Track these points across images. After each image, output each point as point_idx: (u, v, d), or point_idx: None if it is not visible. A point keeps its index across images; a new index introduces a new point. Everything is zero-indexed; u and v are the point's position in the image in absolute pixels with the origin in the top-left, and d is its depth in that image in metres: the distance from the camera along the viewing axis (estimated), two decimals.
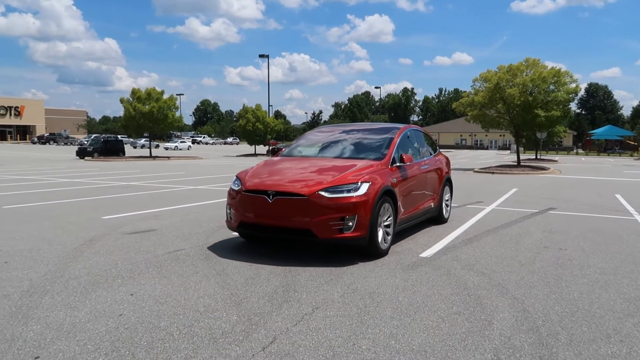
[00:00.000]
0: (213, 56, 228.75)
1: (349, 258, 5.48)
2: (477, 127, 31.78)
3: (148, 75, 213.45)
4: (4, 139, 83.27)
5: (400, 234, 6.67)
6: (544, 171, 23.28)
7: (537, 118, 23.52)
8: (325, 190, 5.28)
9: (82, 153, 33.48)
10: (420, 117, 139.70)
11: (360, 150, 6.70)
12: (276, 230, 5.46)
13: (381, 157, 6.25)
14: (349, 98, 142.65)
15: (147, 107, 33.33)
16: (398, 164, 6.32)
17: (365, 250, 5.54)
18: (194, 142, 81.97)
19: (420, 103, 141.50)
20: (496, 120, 25.43)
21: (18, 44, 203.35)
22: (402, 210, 6.21)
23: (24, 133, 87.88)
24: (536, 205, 10.54)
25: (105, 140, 36.13)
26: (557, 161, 38.16)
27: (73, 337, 3.30)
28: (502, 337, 3.42)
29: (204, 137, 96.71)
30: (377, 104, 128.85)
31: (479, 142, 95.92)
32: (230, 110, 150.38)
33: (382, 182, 5.63)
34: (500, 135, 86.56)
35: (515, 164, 26.77)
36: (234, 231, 5.99)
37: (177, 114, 35.88)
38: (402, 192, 6.19)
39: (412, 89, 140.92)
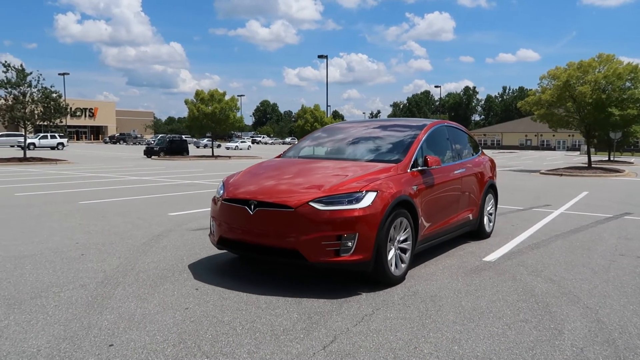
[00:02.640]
0: (272, 57, 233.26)
1: (415, 257, 5.38)
2: (543, 127, 30.39)
3: (210, 77, 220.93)
4: (79, 138, 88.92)
5: (456, 239, 6.48)
6: (617, 174, 21.88)
7: (611, 117, 22.12)
8: (318, 200, 4.19)
9: (149, 152, 35.09)
10: (482, 116, 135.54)
11: (374, 150, 5.58)
12: (258, 249, 4.42)
13: (398, 160, 5.07)
14: (407, 97, 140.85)
15: (209, 108, 34.42)
16: (421, 168, 5.13)
17: (370, 277, 4.50)
18: (253, 142, 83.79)
19: (483, 102, 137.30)
20: (565, 119, 24.18)
21: (92, 49, 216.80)
22: (426, 225, 5.08)
23: (97, 133, 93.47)
24: (609, 210, 9.92)
25: (170, 140, 37.67)
26: (632, 163, 35.75)
27: (143, 327, 3.47)
28: (574, 349, 3.24)
29: (264, 137, 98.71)
30: (437, 103, 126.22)
31: (545, 143, 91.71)
32: (289, 111, 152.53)
33: (396, 191, 4.51)
34: (569, 136, 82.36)
35: (586, 165, 25.36)
36: (217, 247, 4.90)
37: (238, 114, 36.78)
38: (425, 203, 5.03)
39: (474, 87, 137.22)
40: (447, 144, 6.15)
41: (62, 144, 47.35)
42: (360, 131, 6.17)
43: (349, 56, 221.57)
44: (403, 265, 4.66)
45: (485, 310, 3.92)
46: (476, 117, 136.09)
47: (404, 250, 4.69)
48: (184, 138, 41.91)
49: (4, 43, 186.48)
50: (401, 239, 4.64)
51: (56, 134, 46.62)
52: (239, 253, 4.91)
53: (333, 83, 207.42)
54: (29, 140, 31.85)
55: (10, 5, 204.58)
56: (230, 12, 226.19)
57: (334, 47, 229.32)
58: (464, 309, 3.94)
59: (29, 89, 25.06)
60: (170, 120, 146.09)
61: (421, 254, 5.53)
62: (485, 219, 6.78)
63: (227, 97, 35.67)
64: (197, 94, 35.58)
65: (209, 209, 5.18)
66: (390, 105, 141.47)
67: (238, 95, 42.17)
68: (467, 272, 5.04)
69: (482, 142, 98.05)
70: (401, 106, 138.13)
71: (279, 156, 6.01)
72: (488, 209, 6.94)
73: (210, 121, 34.82)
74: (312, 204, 4.17)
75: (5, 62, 24.52)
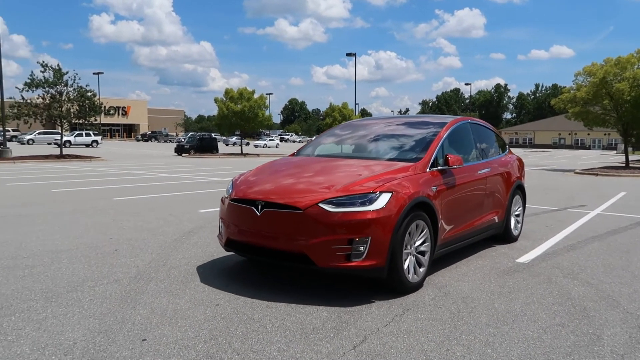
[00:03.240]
0: (300, 56, 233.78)
1: (442, 259, 5.30)
2: (577, 125, 29.50)
3: (239, 75, 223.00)
4: (112, 136, 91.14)
5: (483, 242, 6.34)
6: None
7: None
8: (328, 202, 3.97)
9: (179, 150, 35.67)
10: (514, 114, 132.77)
11: (392, 148, 5.31)
12: (265, 252, 4.23)
13: (417, 159, 4.78)
14: (437, 95, 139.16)
15: (239, 106, 34.75)
16: (441, 168, 4.83)
17: (384, 284, 4.25)
18: (281, 140, 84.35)
19: (514, 100, 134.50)
20: (601, 117, 23.42)
21: (125, 49, 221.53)
22: (447, 228, 4.81)
23: (129, 131, 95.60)
24: None
25: (200, 138, 38.19)
26: None
27: (175, 323, 3.51)
28: (614, 355, 3.12)
29: (292, 135, 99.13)
30: (467, 101, 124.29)
31: (579, 142, 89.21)
32: (317, 109, 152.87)
33: (413, 192, 4.25)
34: (605, 134, 79.84)
35: (623, 165, 24.53)
36: (224, 249, 4.73)
37: (267, 112, 37.04)
38: (446, 205, 4.74)
39: (505, 85, 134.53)
40: (471, 142, 5.83)
41: (96, 141, 48.61)
42: (379, 128, 5.91)
43: (377, 54, 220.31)
44: (421, 271, 4.39)
45: (519, 313, 3.82)
46: (507, 115, 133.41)
47: (422, 255, 4.42)
48: (214, 136, 42.42)
49: (41, 44, 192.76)
50: (419, 243, 4.37)
51: (91, 132, 47.85)
52: (246, 256, 4.67)
53: (361, 81, 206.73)
54: (65, 138, 32.84)
55: (48, 7, 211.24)
56: (259, 11, 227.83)
57: (362, 45, 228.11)
58: (497, 311, 3.85)
59: (65, 88, 25.79)
60: (200, 118, 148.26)
61: (451, 255, 5.45)
62: (512, 222, 6.42)
63: (255, 96, 35.94)
64: (227, 92, 35.97)
65: None
66: (419, 104, 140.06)
67: (267, 94, 42.55)
68: (499, 274, 4.93)
69: (514, 140, 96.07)
70: (430, 104, 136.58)
71: (293, 154, 5.85)
72: (515, 211, 6.56)
73: (239, 119, 35.15)
74: (321, 205, 3.95)
75: (43, 62, 25.30)
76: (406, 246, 4.19)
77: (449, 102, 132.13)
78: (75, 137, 47.42)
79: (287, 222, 4.05)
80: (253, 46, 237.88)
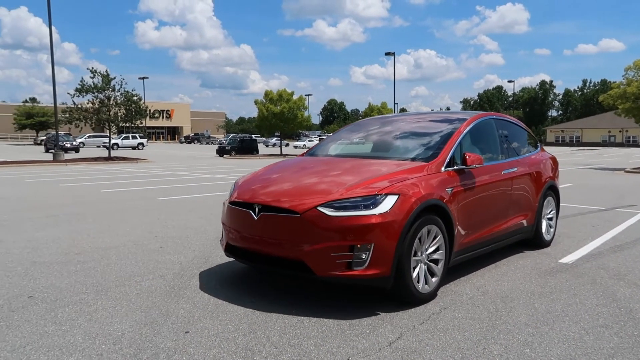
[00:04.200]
0: (339, 56, 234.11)
1: (482, 259, 5.24)
2: (629, 122, 28.24)
3: (279, 77, 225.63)
4: (157, 138, 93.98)
5: (515, 246, 6.20)
6: None
7: None
8: (328, 205, 3.67)
9: (221, 151, 36.43)
10: (560, 112, 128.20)
11: (404, 147, 5.01)
12: (262, 259, 3.99)
13: (431, 158, 4.42)
14: (478, 93, 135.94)
15: (278, 107, 35.17)
16: (458, 167, 4.45)
17: (391, 295, 3.92)
18: (320, 140, 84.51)
19: (560, 97, 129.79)
20: None
21: (168, 54, 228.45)
22: (464, 233, 4.43)
23: (173, 133, 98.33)
24: None
25: (241, 140, 38.87)
26: None
27: (216, 316, 3.64)
28: None
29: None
30: (510, 98, 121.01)
31: (631, 139, 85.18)
32: (356, 109, 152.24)
33: (424, 194, 3.91)
34: None
35: None
36: (225, 255, 4.50)
37: (306, 113, 37.31)
38: (463, 208, 4.37)
39: (551, 81, 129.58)
40: (495, 139, 5.38)
41: (142, 144, 50.34)
42: (394, 126, 5.58)
43: (416, 53, 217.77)
44: (434, 281, 4.04)
45: (560, 314, 3.74)
46: (553, 113, 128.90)
47: (434, 263, 4.08)
48: (254, 137, 43.09)
49: (90, 51, 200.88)
50: (431, 250, 4.03)
51: (137, 135, 49.60)
52: (245, 262, 4.36)
53: (400, 80, 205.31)
54: (113, 141, 34.17)
55: (96, 16, 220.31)
56: (298, 12, 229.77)
57: (401, 44, 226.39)
58: (537, 312, 3.79)
59: (113, 93, 26.86)
60: (241, 120, 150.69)
61: (490, 255, 5.37)
62: (544, 225, 5.93)
63: (295, 97, 36.26)
64: (266, 94, 36.47)
65: None
66: (460, 102, 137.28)
67: (305, 95, 42.79)
68: (541, 274, 4.83)
69: (560, 139, 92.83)
70: (472, 102, 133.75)
71: (303, 154, 5.62)
72: (547, 214, 6.07)
73: (279, 120, 35.56)
74: (320, 208, 3.66)
75: (92, 68, 26.46)
76: (415, 253, 3.86)
77: (491, 100, 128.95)
78: (122, 139, 49.25)
79: (284, 227, 3.77)
80: (292, 48, 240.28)
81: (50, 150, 34.60)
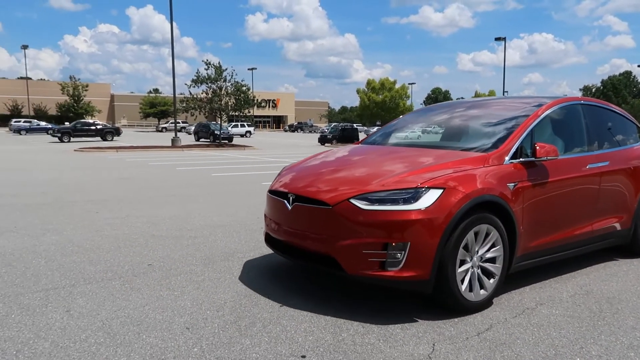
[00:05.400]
0: (445, 43, 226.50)
1: (586, 258, 4.90)
2: None
3: (382, 66, 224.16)
4: (263, 127, 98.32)
5: (605, 252, 5.63)
6: None
7: None
8: (362, 197, 3.37)
9: (323, 140, 37.16)
10: None
11: (464, 135, 4.59)
12: (295, 252, 3.79)
13: (492, 148, 3.90)
14: (602, 80, 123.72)
15: (380, 96, 35.12)
16: (526, 159, 3.89)
17: (433, 300, 3.56)
18: (424, 131, 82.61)
19: None
20: None
21: (275, 45, 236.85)
22: (530, 235, 3.85)
23: (278, 122, 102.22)
24: None
25: (342, 129, 39.29)
26: None
27: (310, 295, 3.85)
28: None
29: (434, 127, 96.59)
30: None
31: None
32: (462, 98, 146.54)
33: (477, 189, 3.45)
34: None
35: None
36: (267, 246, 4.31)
37: (408, 102, 36.84)
38: (531, 206, 3.81)
39: None
40: (581, 128, 4.63)
41: (249, 132, 52.99)
42: (460, 112, 5.08)
43: (530, 37, 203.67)
44: (488, 287, 3.58)
45: None
46: None
47: (489, 269, 3.61)
48: (355, 126, 43.35)
49: (206, 44, 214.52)
50: (484, 253, 3.56)
51: (245, 123, 52.31)
52: (280, 255, 4.04)
53: (511, 67, 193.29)
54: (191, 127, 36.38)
55: (212, 11, 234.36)
56: None
57: (513, 28, 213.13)
58: None
59: (224, 83, 28.64)
60: (343, 109, 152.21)
61: (598, 254, 5.01)
62: None
63: (397, 86, 35.95)
64: (369, 83, 36.62)
65: None
66: (580, 89, 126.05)
67: (409, 83, 42.19)
68: None
69: None
70: (594, 90, 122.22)
71: (357, 142, 5.33)
72: None
73: (381, 109, 35.58)
74: (353, 201, 3.37)
75: (207, 60, 28.42)
76: (463, 256, 3.43)
77: (617, 87, 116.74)
78: (231, 127, 52.23)
79: (315, 219, 3.55)
80: (396, 36, 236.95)
81: (201, 140, 34.94)
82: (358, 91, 37.16)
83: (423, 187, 3.34)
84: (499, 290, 3.70)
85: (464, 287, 3.43)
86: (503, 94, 44.18)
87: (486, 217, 3.49)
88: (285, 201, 3.80)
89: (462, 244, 3.39)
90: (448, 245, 3.30)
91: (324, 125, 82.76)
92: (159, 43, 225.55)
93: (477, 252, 3.53)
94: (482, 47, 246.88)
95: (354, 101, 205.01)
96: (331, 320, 3.34)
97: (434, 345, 3.00)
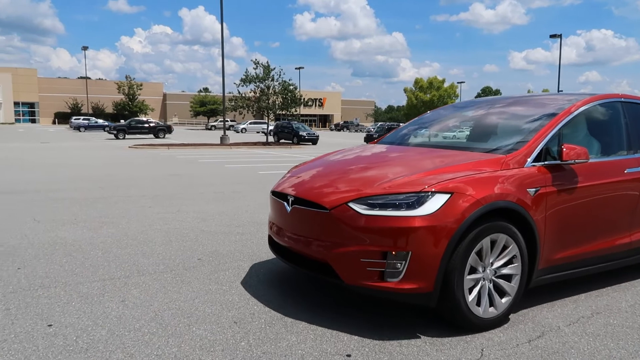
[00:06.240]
0: (496, 41, 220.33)
1: None
2: None
3: (430, 64, 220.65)
4: (309, 125, 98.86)
5: None
6: None
7: None
8: (361, 201, 3.11)
9: (369, 139, 36.94)
10: None
11: (483, 136, 4.26)
12: (293, 257, 3.58)
13: (512, 149, 3.53)
14: None
15: (428, 95, 34.57)
16: (551, 162, 3.52)
17: (441, 314, 3.27)
18: (444, 130, 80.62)
19: None
20: None
21: (322, 44, 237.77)
22: (555, 246, 3.49)
23: (324, 121, 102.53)
24: None
25: (389, 128, 39.02)
26: None
27: (347, 295, 3.85)
28: None
29: (455, 127, 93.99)
30: None
31: None
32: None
33: (489, 194, 3.12)
34: None
35: None
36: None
37: (457, 101, 35.99)
38: (556, 214, 3.44)
39: None
40: (620, 128, 4.16)
41: None
42: (485, 110, 4.70)
43: (588, 33, 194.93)
44: (503, 302, 3.25)
45: None
46: None
47: (504, 282, 3.28)
48: (402, 126, 42.87)
49: (254, 44, 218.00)
50: (500, 265, 3.24)
51: (291, 122, 52.79)
52: (280, 259, 3.80)
53: (567, 65, 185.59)
54: (270, 127, 36.88)
55: (261, 11, 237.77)
56: None
57: (570, 24, 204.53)
58: None
59: (272, 82, 29.03)
60: (390, 108, 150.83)
61: None
62: None
63: (446, 85, 35.24)
64: (416, 82, 36.08)
65: None
66: None
67: (458, 82, 41.27)
68: None
69: None
70: None
71: (374, 141, 5.01)
72: None
73: (428, 109, 34.90)
74: (352, 204, 3.11)
75: (255, 60, 28.87)
76: (474, 268, 3.13)
77: None
78: None
79: (313, 223, 3.33)
80: (445, 34, 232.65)
81: (281, 140, 33.61)
82: (405, 90, 36.69)
83: (429, 192, 3.05)
84: (515, 308, 3.33)
85: (472, 301, 3.13)
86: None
87: (501, 225, 3.17)
88: (285, 203, 3.60)
89: (472, 254, 3.08)
90: (455, 256, 3.01)
91: (370, 125, 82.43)
92: (209, 43, 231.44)
93: (492, 264, 3.23)
94: (535, 44, 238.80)
95: (400, 100, 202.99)
96: (378, 321, 3.33)
97: (482, 350, 2.94)
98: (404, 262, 2.98)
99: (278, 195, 3.79)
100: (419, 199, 3.02)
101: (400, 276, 2.99)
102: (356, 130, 79.28)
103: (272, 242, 3.96)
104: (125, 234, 5.66)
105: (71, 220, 6.42)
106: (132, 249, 5.05)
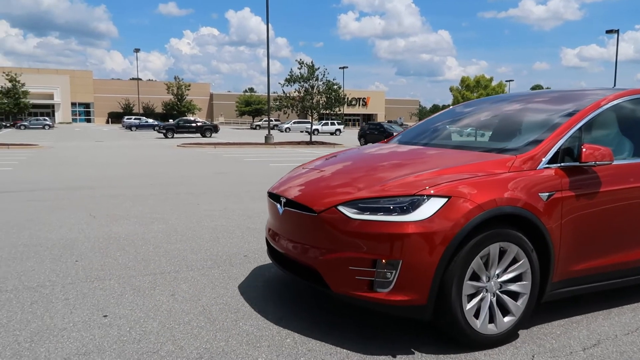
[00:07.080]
0: (547, 37, 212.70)
1: None
2: None
3: (477, 63, 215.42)
4: (353, 125, 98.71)
5: None
6: None
7: None
8: (350, 204, 2.88)
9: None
10: None
11: (496, 135, 3.99)
12: (282, 261, 3.42)
13: (522, 150, 3.21)
14: None
15: (475, 94, 33.75)
16: (568, 164, 3.15)
17: (439, 329, 3.01)
18: (456, 129, 78.35)
19: None
20: None
21: (367, 43, 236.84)
22: (575, 258, 3.15)
23: (368, 120, 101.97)
24: None
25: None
26: None
27: None
28: None
29: (468, 125, 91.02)
30: None
31: None
32: None
33: (492, 199, 2.82)
34: None
35: None
36: None
37: None
38: (574, 222, 3.09)
39: None
40: None
41: (339, 130, 53.51)
42: (501, 107, 4.39)
43: None
44: (505, 322, 2.96)
45: None
46: None
47: (511, 296, 2.99)
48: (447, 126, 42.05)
49: (298, 44, 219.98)
50: (506, 277, 2.95)
51: (335, 121, 52.92)
52: (274, 263, 3.61)
53: (624, 62, 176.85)
54: (314, 127, 37.17)
55: (305, 11, 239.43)
56: None
57: (628, 18, 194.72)
58: None
59: (316, 82, 29.15)
60: (435, 107, 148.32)
61: None
62: None
63: (494, 83, 34.33)
64: (463, 80, 35.32)
65: None
66: None
67: (506, 81, 40.12)
68: None
69: None
70: None
71: (384, 140, 4.69)
72: None
73: None
74: (341, 208, 2.89)
75: (300, 60, 29.08)
76: (475, 279, 2.85)
77: None
78: (322, 125, 53.05)
79: (302, 226, 3.15)
80: (493, 31, 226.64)
81: (369, 142, 32.30)
82: (451, 89, 36.00)
83: (424, 195, 2.78)
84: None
85: (474, 316, 2.87)
86: None
87: (506, 233, 2.86)
88: (278, 205, 3.42)
89: (472, 265, 2.80)
90: (452, 266, 2.73)
91: (413, 124, 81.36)
92: (255, 44, 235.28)
93: (498, 276, 2.94)
94: (589, 40, 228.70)
95: (445, 99, 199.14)
96: (402, 322, 3.28)
97: (533, 357, 2.84)
98: (394, 271, 2.73)
99: (272, 196, 3.60)
100: (413, 203, 2.77)
101: (391, 286, 2.74)
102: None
103: (267, 246, 3.79)
104: (174, 230, 5.84)
105: (124, 215, 6.68)
106: (181, 244, 5.20)
